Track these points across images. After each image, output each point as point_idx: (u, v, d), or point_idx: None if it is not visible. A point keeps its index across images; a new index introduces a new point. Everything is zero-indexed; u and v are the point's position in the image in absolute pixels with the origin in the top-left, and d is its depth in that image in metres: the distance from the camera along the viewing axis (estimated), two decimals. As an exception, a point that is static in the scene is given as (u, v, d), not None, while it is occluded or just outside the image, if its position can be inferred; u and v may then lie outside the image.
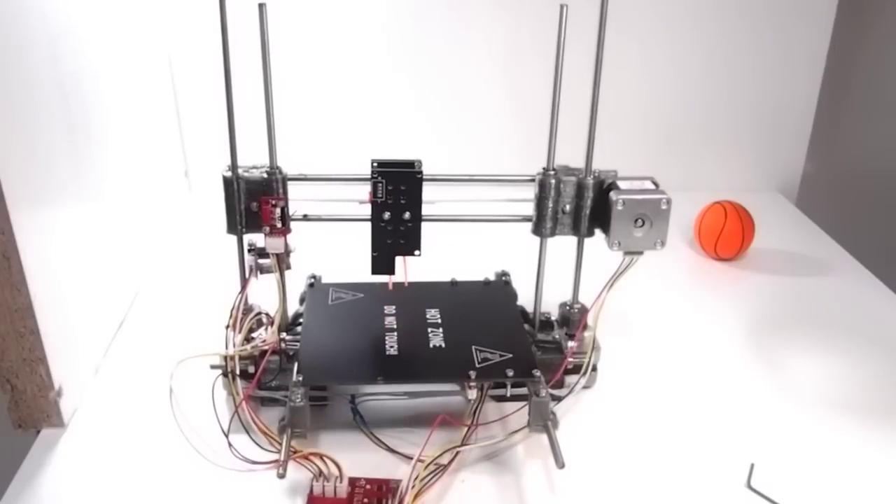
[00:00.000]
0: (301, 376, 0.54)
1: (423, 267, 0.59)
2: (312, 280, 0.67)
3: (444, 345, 0.59)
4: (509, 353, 0.58)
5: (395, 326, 0.61)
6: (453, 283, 0.67)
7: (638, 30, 0.93)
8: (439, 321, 0.62)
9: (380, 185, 0.56)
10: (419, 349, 0.58)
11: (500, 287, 0.67)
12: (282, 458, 0.51)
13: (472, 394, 0.55)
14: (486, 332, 0.60)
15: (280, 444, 0.52)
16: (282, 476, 0.50)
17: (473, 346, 0.58)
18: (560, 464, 0.51)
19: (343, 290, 0.66)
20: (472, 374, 0.55)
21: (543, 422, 0.54)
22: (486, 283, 0.68)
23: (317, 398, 0.58)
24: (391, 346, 0.59)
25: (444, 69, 0.94)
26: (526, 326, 0.62)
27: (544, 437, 0.55)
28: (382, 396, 0.60)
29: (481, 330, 0.60)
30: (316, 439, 0.57)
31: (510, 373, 0.56)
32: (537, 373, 0.56)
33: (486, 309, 0.64)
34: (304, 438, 0.54)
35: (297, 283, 0.66)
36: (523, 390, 0.56)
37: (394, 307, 0.63)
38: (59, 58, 0.59)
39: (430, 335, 0.60)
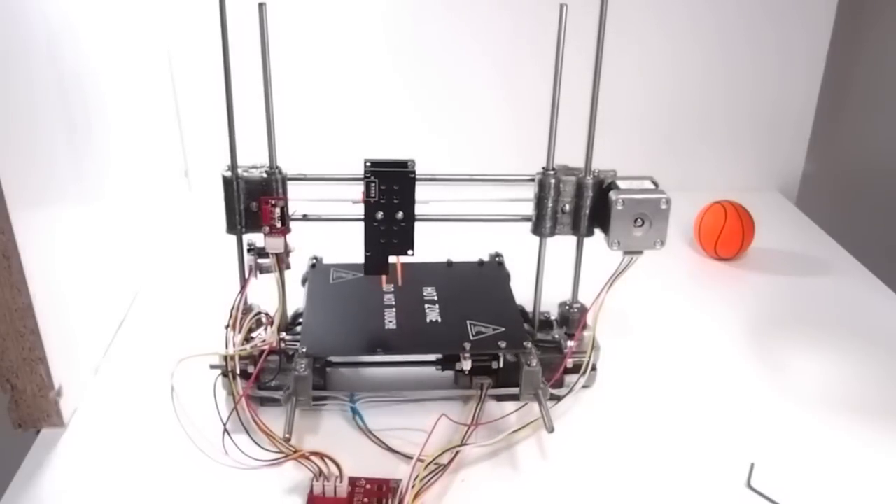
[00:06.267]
0: (305, 348, 0.56)
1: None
2: (314, 261, 0.69)
3: (440, 319, 0.61)
4: (502, 328, 0.60)
5: (393, 303, 0.63)
6: (449, 264, 0.69)
7: (638, 29, 0.93)
8: (435, 298, 0.64)
9: (373, 184, 0.56)
10: (416, 323, 0.60)
11: (494, 267, 0.69)
12: (286, 424, 0.52)
13: (467, 365, 0.57)
14: (480, 308, 0.62)
15: (280, 443, 0.53)
16: (287, 440, 0.52)
17: (468, 321, 0.60)
18: (549, 428, 0.53)
19: (343, 270, 0.67)
20: (467, 345, 0.57)
21: (534, 390, 0.56)
22: (481, 263, 0.70)
23: (317, 398, 0.58)
24: (390, 321, 0.61)
25: (444, 69, 0.94)
26: (526, 326, 0.62)
27: (545, 439, 0.55)
28: (382, 397, 0.60)
29: (475, 306, 0.62)
30: (316, 439, 0.57)
31: (502, 344, 0.58)
32: (528, 344, 0.58)
33: (480, 287, 0.66)
34: (308, 407, 0.56)
35: (296, 283, 0.66)
36: (517, 389, 0.57)
37: (392, 286, 0.64)
38: (59, 58, 0.59)
39: (426, 311, 0.62)
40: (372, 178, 0.56)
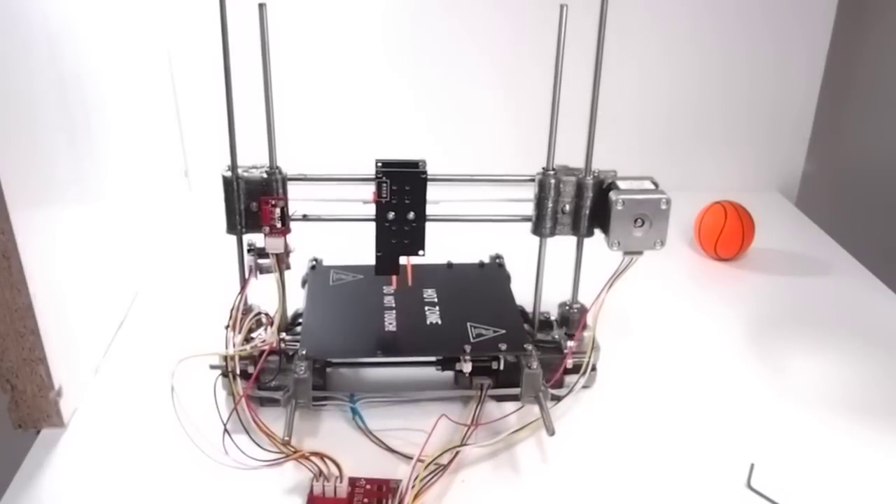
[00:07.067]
0: (304, 350, 0.56)
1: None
2: (314, 263, 0.68)
3: (440, 322, 0.61)
4: (502, 330, 0.60)
5: (393, 305, 0.63)
6: (449, 266, 0.69)
7: (638, 29, 0.93)
8: (436, 300, 0.64)
9: (384, 185, 0.56)
10: (417, 326, 0.60)
11: (494, 269, 0.69)
12: (286, 427, 0.53)
13: (468, 367, 0.57)
14: (481, 310, 0.62)
15: (280, 443, 0.53)
16: (287, 442, 0.52)
17: (468, 323, 0.60)
18: (550, 432, 0.53)
19: (343, 272, 0.67)
20: (468, 347, 0.57)
21: (535, 392, 0.56)
22: (481, 265, 0.70)
23: (317, 398, 0.58)
24: (390, 323, 0.60)
25: (444, 69, 0.94)
26: (526, 327, 0.62)
27: (545, 439, 0.55)
28: (382, 397, 0.60)
29: (476, 308, 0.62)
30: (316, 439, 0.57)
31: (503, 347, 0.58)
32: (529, 346, 0.58)
33: (480, 289, 0.66)
34: (308, 409, 0.56)
35: (296, 283, 0.66)
36: (517, 390, 0.57)
37: (392, 287, 0.64)
38: (59, 58, 0.59)
39: (427, 313, 0.62)
40: (383, 178, 0.56)
